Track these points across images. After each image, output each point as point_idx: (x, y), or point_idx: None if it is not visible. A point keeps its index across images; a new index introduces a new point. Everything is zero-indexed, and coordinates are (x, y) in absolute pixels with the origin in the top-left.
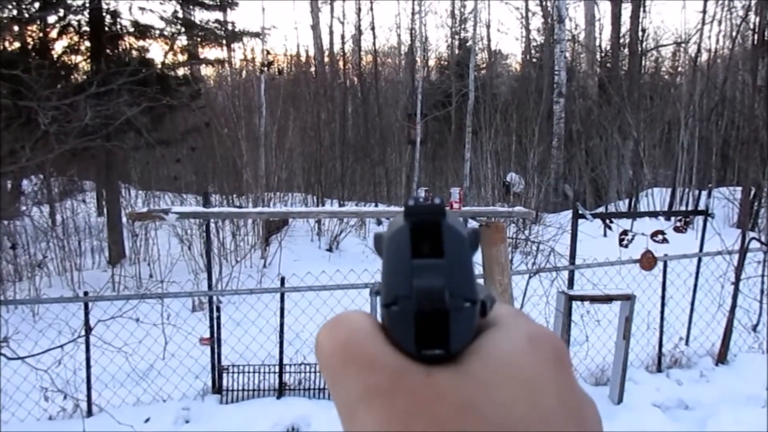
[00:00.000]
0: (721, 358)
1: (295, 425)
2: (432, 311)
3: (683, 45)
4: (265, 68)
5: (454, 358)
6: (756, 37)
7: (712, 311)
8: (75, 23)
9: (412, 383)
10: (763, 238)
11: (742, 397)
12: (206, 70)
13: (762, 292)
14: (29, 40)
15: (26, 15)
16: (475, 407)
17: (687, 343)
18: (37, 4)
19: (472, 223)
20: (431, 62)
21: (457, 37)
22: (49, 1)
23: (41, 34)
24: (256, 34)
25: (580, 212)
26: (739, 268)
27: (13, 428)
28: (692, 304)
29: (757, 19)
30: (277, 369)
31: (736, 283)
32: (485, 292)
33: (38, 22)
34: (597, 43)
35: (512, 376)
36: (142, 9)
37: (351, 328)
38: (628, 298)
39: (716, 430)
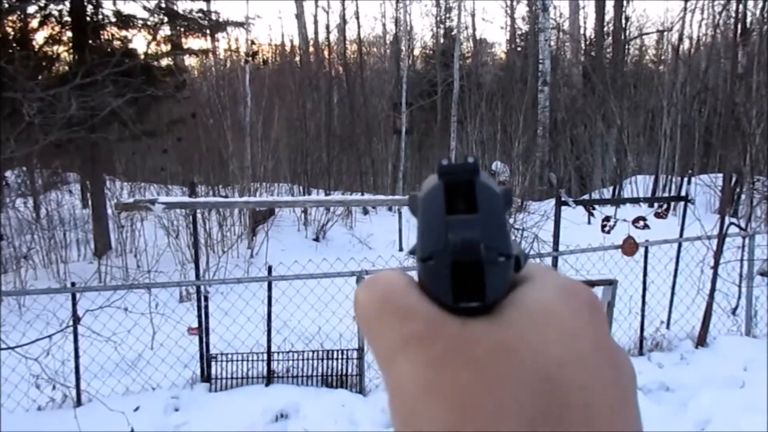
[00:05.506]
0: (701, 341)
1: (284, 412)
2: (468, 263)
3: (666, 33)
4: (250, 58)
5: (488, 310)
6: (736, 25)
7: (692, 295)
8: (56, 13)
9: (449, 330)
10: (742, 224)
11: (722, 379)
12: (190, 61)
13: (740, 276)
14: (9, 30)
15: (5, 5)
16: (510, 350)
17: (668, 327)
18: None
19: None
20: (416, 51)
21: (442, 26)
22: None
23: (21, 25)
24: (240, 24)
25: (563, 199)
26: (718, 253)
27: (2, 419)
28: (673, 288)
29: (738, 7)
30: (265, 357)
31: (715, 268)
32: (519, 248)
33: (18, 13)
34: (581, 32)
35: (547, 322)
36: None
37: (387, 283)
38: (611, 284)
39: (697, 412)
